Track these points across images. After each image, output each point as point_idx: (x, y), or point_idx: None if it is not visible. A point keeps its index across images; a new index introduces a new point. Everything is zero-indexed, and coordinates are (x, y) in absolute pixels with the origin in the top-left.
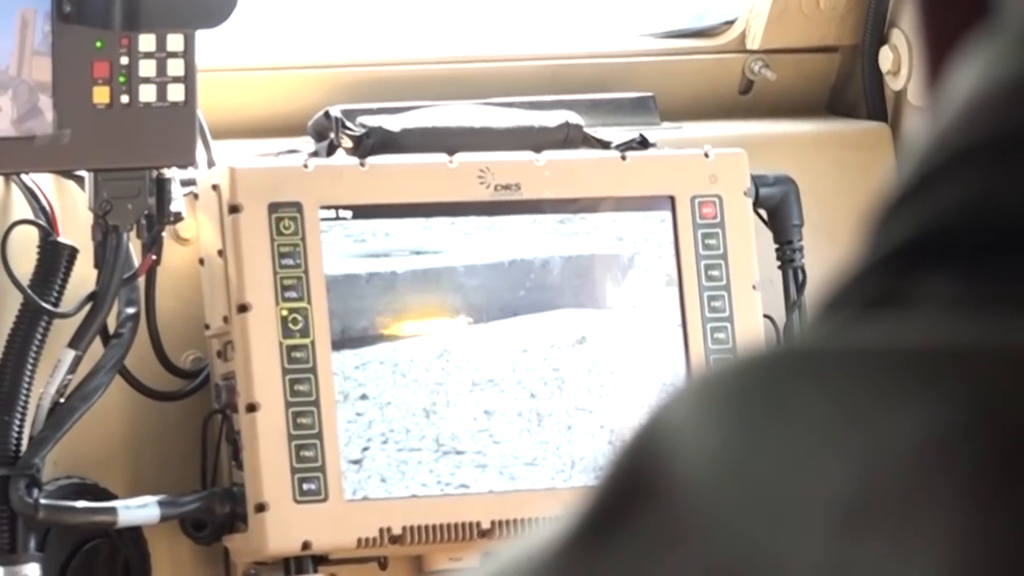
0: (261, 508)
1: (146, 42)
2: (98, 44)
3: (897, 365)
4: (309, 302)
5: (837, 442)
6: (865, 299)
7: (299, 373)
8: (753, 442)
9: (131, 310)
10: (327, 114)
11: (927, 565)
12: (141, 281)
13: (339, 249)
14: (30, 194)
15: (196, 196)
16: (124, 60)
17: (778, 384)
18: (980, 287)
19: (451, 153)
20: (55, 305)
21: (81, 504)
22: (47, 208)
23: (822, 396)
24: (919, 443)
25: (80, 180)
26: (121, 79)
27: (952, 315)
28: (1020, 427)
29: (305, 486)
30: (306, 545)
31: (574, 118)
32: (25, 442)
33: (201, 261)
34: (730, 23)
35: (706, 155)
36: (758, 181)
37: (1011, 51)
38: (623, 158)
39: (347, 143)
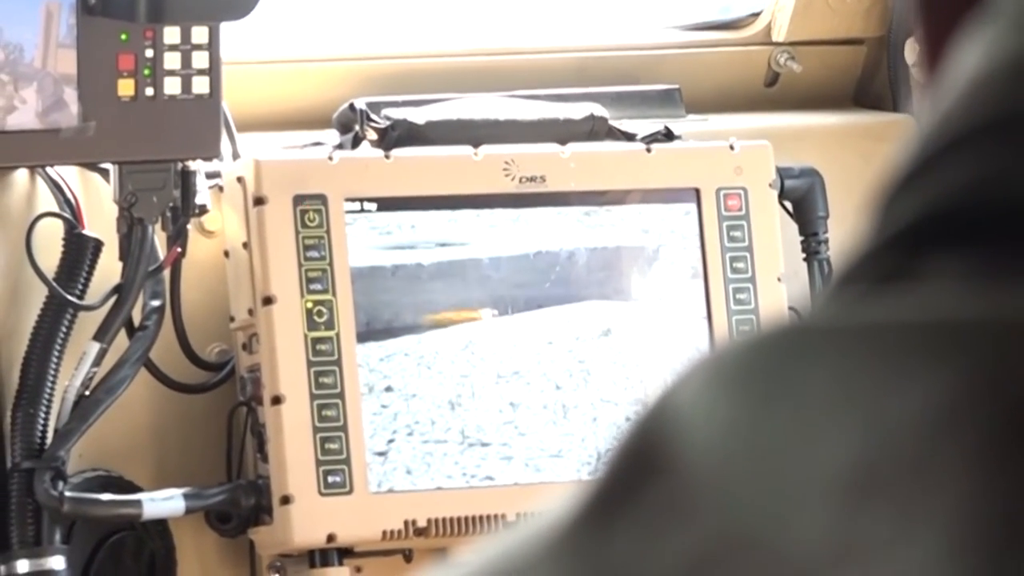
0: (286, 500)
1: (171, 34)
2: (123, 37)
3: (903, 339)
4: (334, 294)
5: (843, 415)
6: (872, 277)
7: (324, 365)
8: (760, 417)
9: (156, 303)
10: (352, 106)
11: (933, 535)
12: (166, 274)
13: (364, 241)
14: (55, 187)
15: (221, 188)
16: (149, 53)
17: (785, 360)
18: (986, 264)
19: (476, 145)
20: (80, 298)
21: (106, 497)
22: (72, 201)
23: (828, 371)
24: (924, 415)
25: (105, 173)
26: (146, 72)
27: (958, 290)
28: (1021, 400)
29: (330, 478)
30: (331, 538)
31: (599, 110)
32: (50, 435)
33: (226, 253)
34: (756, 15)
35: (731, 147)
36: (783, 173)
37: (1012, 31)
38: (648, 150)
39: (372, 135)
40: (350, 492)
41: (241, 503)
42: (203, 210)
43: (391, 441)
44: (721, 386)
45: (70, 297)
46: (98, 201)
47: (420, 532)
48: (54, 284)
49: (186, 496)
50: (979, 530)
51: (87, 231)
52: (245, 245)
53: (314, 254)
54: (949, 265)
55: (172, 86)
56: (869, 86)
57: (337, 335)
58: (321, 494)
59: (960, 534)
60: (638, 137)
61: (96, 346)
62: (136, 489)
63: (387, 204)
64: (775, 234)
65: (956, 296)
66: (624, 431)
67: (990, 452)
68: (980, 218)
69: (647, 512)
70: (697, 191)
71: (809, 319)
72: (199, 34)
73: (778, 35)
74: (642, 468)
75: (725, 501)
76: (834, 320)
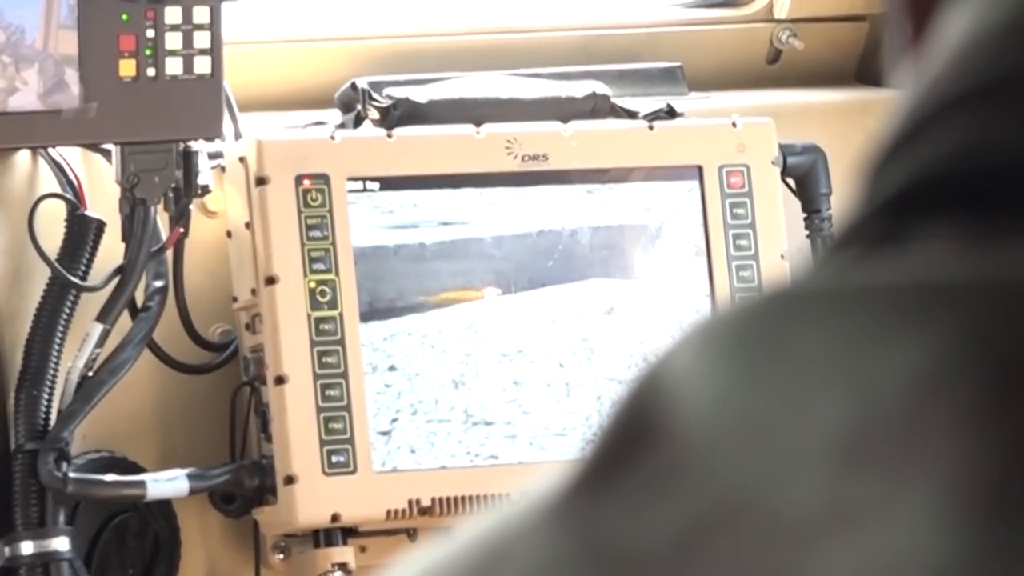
0: (290, 480)
1: (172, 14)
2: (124, 17)
3: (893, 301)
4: (337, 274)
5: (834, 379)
6: (863, 243)
7: (327, 345)
8: (752, 382)
9: (159, 283)
10: (354, 86)
11: (924, 496)
12: (169, 254)
13: (367, 221)
14: (57, 168)
15: (223, 169)
16: (150, 33)
17: (776, 326)
18: (975, 227)
19: (478, 124)
20: (83, 279)
21: (110, 478)
22: (74, 182)
23: (820, 335)
24: (914, 377)
25: (107, 153)
26: (147, 52)
27: (947, 252)
28: (1014, 357)
29: (334, 458)
30: (335, 517)
31: (601, 88)
32: (54, 416)
33: (229, 234)
34: None
35: (734, 124)
36: (786, 150)
37: None
38: (651, 128)
39: (374, 115)
40: (354, 472)
41: (245, 483)
42: (205, 190)
43: (395, 420)
44: (713, 352)
45: (73, 278)
46: (100, 182)
47: (424, 511)
48: (57, 265)
49: (190, 477)
50: (969, 492)
51: (89, 212)
52: (247, 225)
53: (316, 234)
54: (939, 229)
55: (174, 66)
56: (871, 63)
57: (340, 315)
58: (325, 474)
59: (950, 496)
60: (640, 115)
61: (99, 327)
62: (140, 470)
63: (389, 183)
64: (778, 211)
65: (945, 258)
66: (618, 399)
67: (979, 413)
68: (969, 183)
69: (641, 479)
70: (700, 168)
71: (800, 284)
72: (200, 14)
73: (780, 12)
74: (635, 435)
75: (718, 467)
76: (825, 284)
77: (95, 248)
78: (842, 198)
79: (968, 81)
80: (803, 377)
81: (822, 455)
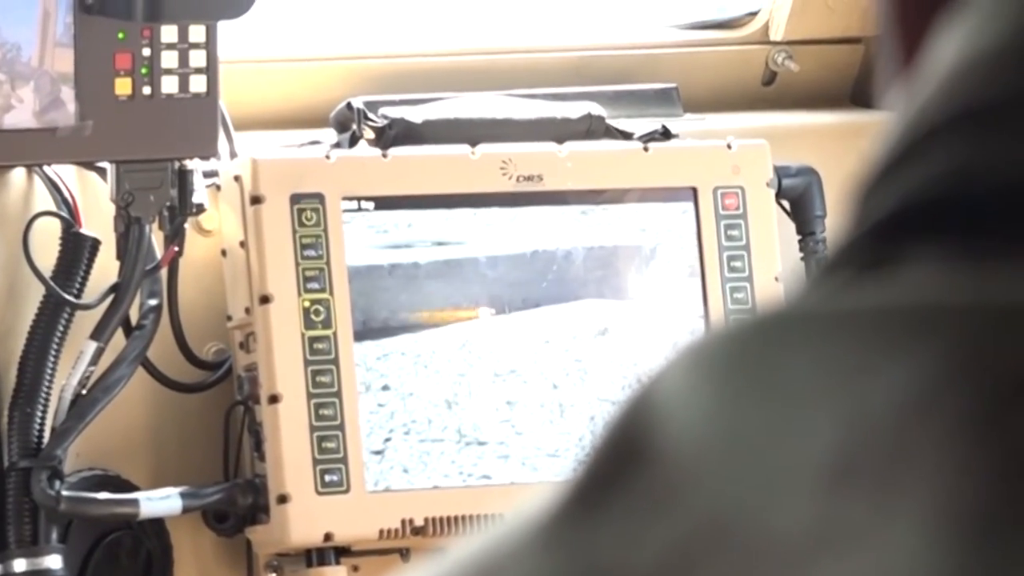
0: (283, 499)
1: (168, 33)
2: (120, 35)
3: (881, 324)
4: (331, 293)
5: (823, 402)
6: (852, 266)
7: (321, 364)
8: (741, 404)
9: (153, 301)
10: (349, 105)
11: (913, 517)
12: (163, 272)
13: (361, 240)
14: (52, 185)
15: (218, 187)
16: (146, 51)
17: (765, 348)
18: (964, 250)
19: (473, 144)
20: (77, 297)
21: (103, 496)
22: (69, 199)
23: (808, 357)
24: (902, 399)
25: (102, 171)
26: (143, 70)
27: (936, 275)
28: (1001, 381)
29: (327, 477)
30: (328, 536)
31: (596, 109)
32: (47, 434)
33: (223, 252)
34: (753, 14)
35: (729, 146)
36: (781, 172)
37: (989, 22)
38: (645, 149)
39: (369, 134)
40: (347, 491)
41: (238, 502)
42: (200, 209)
43: (388, 440)
44: (702, 374)
45: (67, 296)
46: (95, 200)
47: (417, 531)
48: (51, 283)
49: (183, 495)
50: (958, 514)
51: (84, 230)
52: (242, 244)
53: (311, 253)
54: (928, 252)
55: (169, 85)
56: (867, 85)
57: (334, 334)
58: (318, 493)
59: (939, 518)
60: (635, 136)
61: (93, 345)
62: (133, 488)
63: (384, 203)
64: (772, 233)
65: (934, 281)
66: (609, 420)
67: (966, 435)
68: (959, 206)
69: (631, 502)
70: (694, 190)
71: (790, 307)
72: (196, 33)
73: (776, 34)
74: (625, 458)
75: (708, 488)
76: (814, 307)
77: (89, 266)
78: (837, 220)
79: (958, 104)
80: (792, 399)
81: (812, 476)
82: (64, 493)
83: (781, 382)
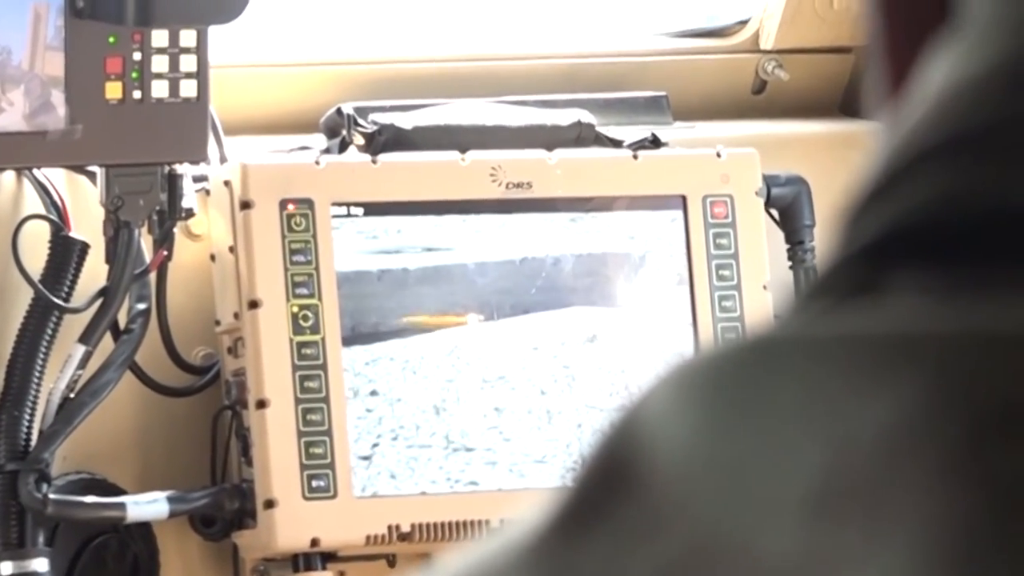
0: (270, 504)
1: (159, 38)
2: (111, 39)
3: (868, 351)
4: (320, 299)
5: (809, 428)
6: (838, 291)
7: (309, 369)
8: (727, 430)
9: (142, 306)
10: (339, 111)
11: (899, 549)
12: (152, 277)
13: (350, 246)
14: (42, 189)
15: (208, 192)
16: (137, 56)
17: (751, 373)
18: (950, 278)
19: (463, 151)
20: (66, 300)
21: (90, 499)
22: (59, 203)
23: (795, 384)
24: (889, 428)
25: (92, 175)
26: (134, 74)
27: (923, 303)
28: (987, 409)
29: (314, 483)
30: (315, 542)
31: (586, 117)
32: (35, 437)
33: (212, 257)
34: (743, 23)
35: (718, 155)
36: (770, 181)
37: (978, 47)
38: (635, 157)
39: (359, 140)
40: (334, 496)
41: (225, 507)
42: (190, 213)
43: (375, 445)
44: (688, 398)
45: (56, 299)
46: (85, 204)
47: (404, 537)
48: (40, 286)
49: (170, 499)
50: (945, 543)
51: (73, 233)
52: (231, 249)
53: (300, 258)
54: (914, 279)
55: (160, 89)
56: (856, 95)
57: (322, 339)
58: (305, 498)
59: (926, 548)
60: (625, 144)
61: (81, 348)
62: (120, 492)
63: (374, 209)
64: (761, 242)
65: (921, 309)
66: (594, 444)
67: (954, 465)
68: (945, 233)
69: (617, 525)
70: (683, 198)
71: (775, 331)
72: (187, 37)
73: (766, 43)
74: (610, 483)
75: (694, 513)
76: (800, 332)
77: (78, 270)
78: (825, 230)
79: (945, 131)
80: (779, 426)
81: (799, 503)
82: (51, 496)
83: (767, 408)
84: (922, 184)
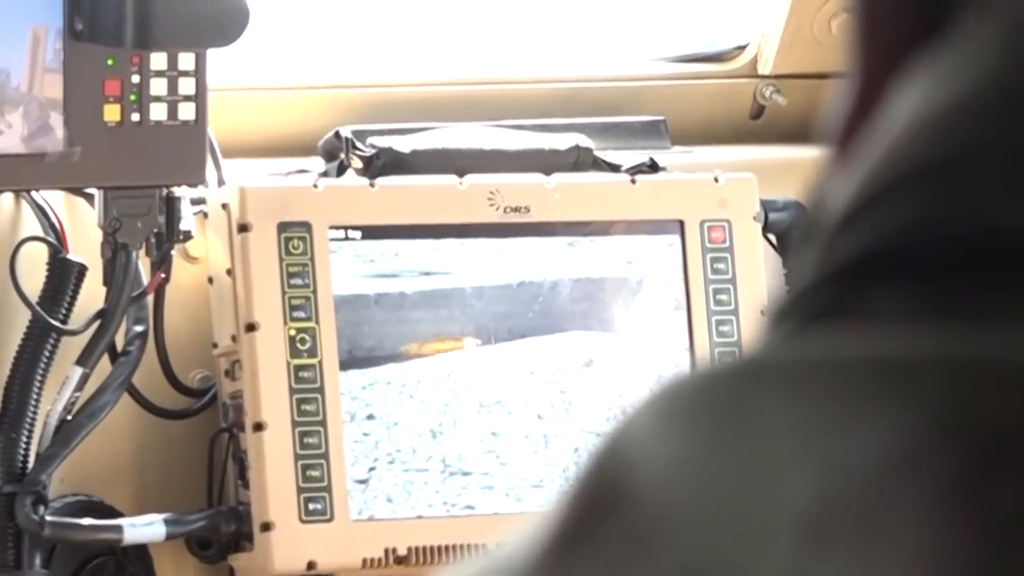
0: (267, 527)
1: (157, 60)
2: (109, 62)
3: (856, 376)
4: (317, 322)
5: (799, 454)
6: (813, 312)
7: (306, 393)
8: (713, 451)
9: (139, 328)
10: (337, 134)
11: None
12: (150, 299)
13: (348, 269)
14: (40, 211)
15: (206, 215)
16: (135, 78)
17: (736, 396)
18: (930, 300)
19: (461, 175)
20: (63, 322)
21: (87, 521)
22: (56, 225)
23: (784, 407)
24: (882, 455)
25: (90, 197)
26: (132, 97)
27: (905, 327)
28: (981, 439)
29: (311, 506)
30: (311, 565)
31: (584, 141)
32: (32, 459)
33: (210, 280)
34: (742, 48)
35: (716, 179)
36: (768, 206)
37: (956, 73)
38: (633, 182)
39: (357, 163)
40: (331, 519)
41: (222, 529)
42: (187, 236)
43: (372, 469)
44: (674, 421)
45: (53, 321)
46: (83, 226)
47: (400, 560)
48: (38, 308)
49: (167, 522)
50: (937, 573)
51: (71, 256)
52: (229, 272)
53: (298, 281)
54: (894, 302)
55: (158, 112)
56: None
57: (320, 363)
58: (302, 521)
59: None
60: (623, 168)
61: (79, 371)
62: (117, 514)
63: (371, 232)
64: (759, 267)
65: (905, 332)
66: (580, 468)
67: (948, 495)
68: (921, 255)
69: (604, 548)
70: (681, 223)
71: (757, 354)
72: (186, 60)
73: (764, 68)
74: (598, 504)
75: (682, 538)
76: (784, 355)
77: (76, 292)
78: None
79: (922, 155)
80: (765, 450)
81: (789, 530)
82: (48, 518)
83: (753, 432)
84: (899, 207)
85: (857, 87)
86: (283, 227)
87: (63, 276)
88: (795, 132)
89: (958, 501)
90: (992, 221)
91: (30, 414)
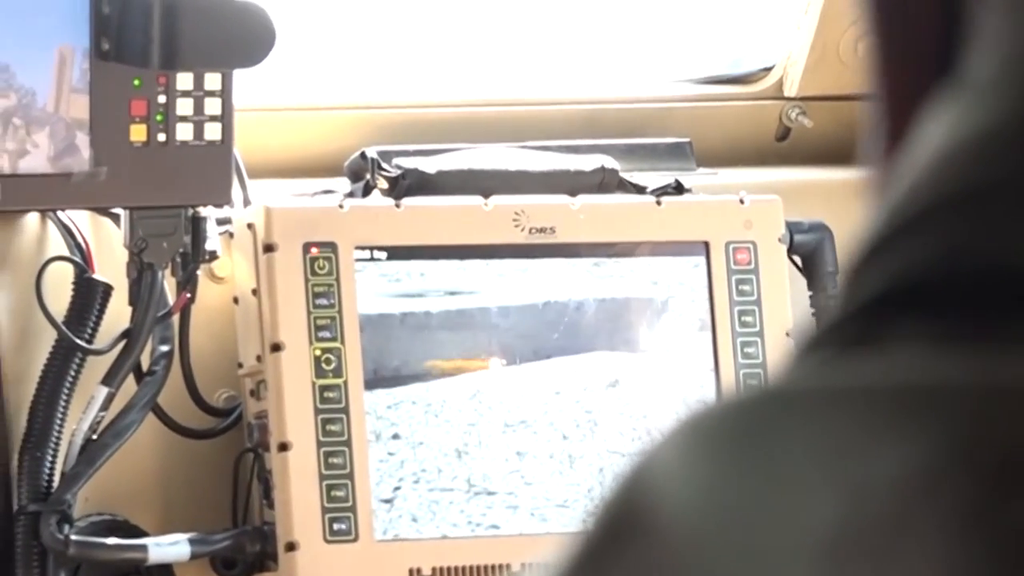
0: (291, 547)
1: (184, 81)
2: (136, 82)
3: (877, 402)
4: (342, 342)
5: (819, 480)
6: (839, 342)
7: (331, 413)
8: (736, 482)
9: (165, 348)
10: (363, 155)
11: None
12: (175, 319)
13: (373, 289)
14: (66, 231)
15: (231, 235)
16: (161, 98)
17: (760, 424)
18: (955, 330)
19: (486, 195)
20: (89, 342)
21: (112, 541)
22: (83, 245)
23: (804, 435)
24: (901, 480)
25: (116, 217)
26: (158, 117)
27: (929, 354)
28: (1000, 462)
29: (336, 526)
30: None
31: (610, 162)
32: (57, 478)
33: (235, 300)
34: (767, 70)
35: (741, 201)
36: (793, 228)
37: (979, 104)
38: (658, 203)
39: (383, 184)
40: (355, 540)
41: (246, 549)
42: (213, 256)
43: (397, 489)
44: (697, 450)
45: (79, 341)
46: (108, 246)
47: None
48: (63, 328)
49: (191, 541)
50: None
51: (97, 275)
52: (254, 292)
53: (323, 302)
54: (918, 331)
55: (184, 132)
56: (860, 146)
57: (345, 383)
58: (326, 541)
59: None
60: (648, 190)
61: (104, 390)
62: (142, 534)
63: (397, 253)
64: (784, 289)
65: (927, 360)
66: (608, 492)
67: (967, 519)
68: (948, 287)
69: (624, 573)
70: (706, 244)
71: (781, 383)
72: (212, 81)
73: (790, 90)
74: (621, 531)
75: (702, 565)
76: (807, 383)
77: (102, 311)
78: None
79: (948, 187)
80: (788, 476)
81: (810, 556)
82: (73, 538)
83: (776, 460)
84: (925, 239)
85: (885, 114)
86: (308, 247)
87: (89, 296)
88: (821, 154)
89: (975, 524)
90: (1014, 253)
91: (55, 433)
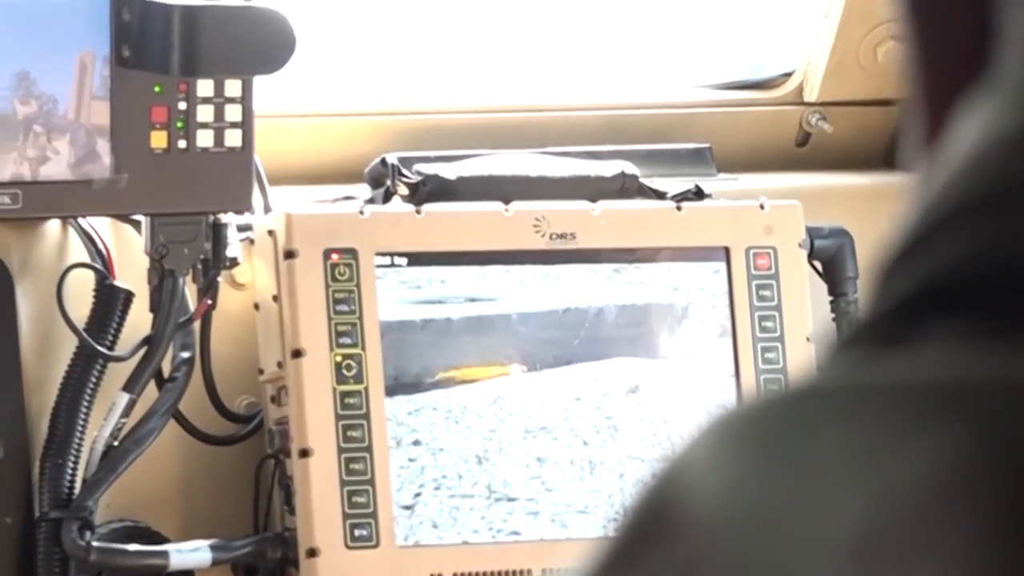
0: (312, 553)
1: (204, 87)
2: (156, 89)
3: (906, 401)
4: (363, 348)
5: (848, 479)
6: (871, 342)
7: (352, 419)
8: (766, 481)
9: (186, 354)
10: (384, 161)
11: None
12: (196, 325)
13: (394, 295)
14: (87, 237)
15: (252, 241)
16: (182, 105)
17: (789, 424)
18: (987, 329)
19: (507, 202)
20: (110, 348)
21: (133, 547)
22: (103, 252)
23: (833, 434)
24: (931, 479)
25: (137, 224)
26: (179, 124)
27: (961, 353)
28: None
29: (357, 532)
30: None
31: (630, 168)
32: (79, 485)
33: (256, 306)
34: (788, 75)
35: (761, 207)
36: (813, 233)
37: (1012, 104)
38: (678, 208)
39: (403, 190)
40: (376, 546)
41: (267, 555)
42: (234, 263)
43: (418, 495)
44: (728, 449)
45: (100, 348)
46: (129, 252)
47: None
48: (84, 335)
49: (213, 548)
50: None
51: (118, 282)
52: (275, 298)
53: (344, 308)
54: (949, 330)
55: (205, 139)
56: (900, 147)
57: (366, 389)
58: (348, 547)
59: None
60: (668, 195)
61: (125, 397)
62: (163, 540)
63: (417, 259)
64: (804, 294)
65: (957, 358)
66: (637, 492)
67: (996, 518)
68: (979, 288)
69: (655, 573)
70: (727, 250)
71: (812, 382)
72: (232, 87)
73: (810, 95)
74: (652, 529)
75: (732, 563)
76: (837, 383)
77: (123, 318)
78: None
79: (980, 188)
80: (817, 475)
81: (836, 556)
82: (94, 544)
83: (806, 459)
84: (956, 240)
85: (921, 113)
86: (329, 254)
87: (110, 302)
88: (841, 159)
89: (1005, 521)
90: None
91: (77, 440)
